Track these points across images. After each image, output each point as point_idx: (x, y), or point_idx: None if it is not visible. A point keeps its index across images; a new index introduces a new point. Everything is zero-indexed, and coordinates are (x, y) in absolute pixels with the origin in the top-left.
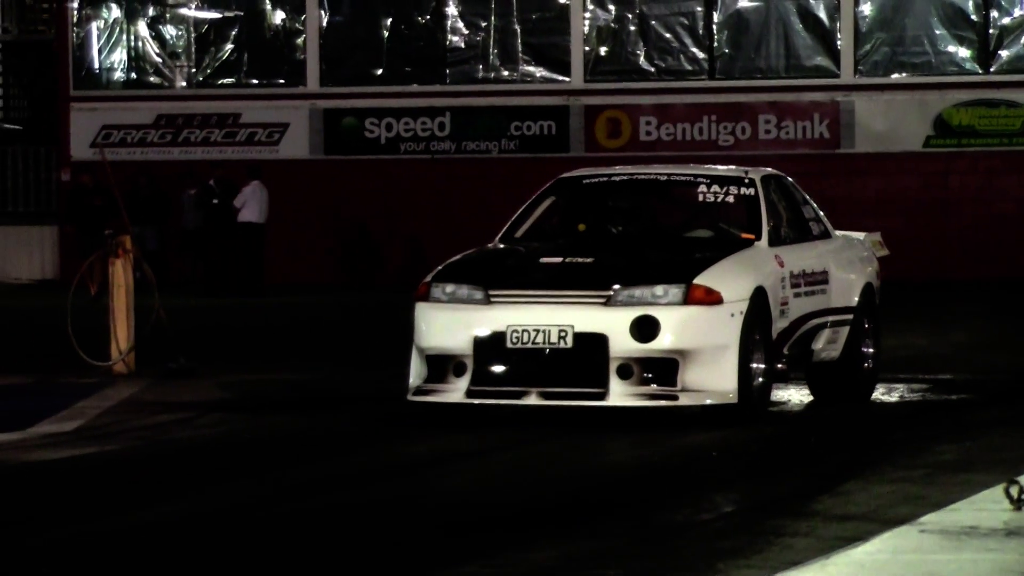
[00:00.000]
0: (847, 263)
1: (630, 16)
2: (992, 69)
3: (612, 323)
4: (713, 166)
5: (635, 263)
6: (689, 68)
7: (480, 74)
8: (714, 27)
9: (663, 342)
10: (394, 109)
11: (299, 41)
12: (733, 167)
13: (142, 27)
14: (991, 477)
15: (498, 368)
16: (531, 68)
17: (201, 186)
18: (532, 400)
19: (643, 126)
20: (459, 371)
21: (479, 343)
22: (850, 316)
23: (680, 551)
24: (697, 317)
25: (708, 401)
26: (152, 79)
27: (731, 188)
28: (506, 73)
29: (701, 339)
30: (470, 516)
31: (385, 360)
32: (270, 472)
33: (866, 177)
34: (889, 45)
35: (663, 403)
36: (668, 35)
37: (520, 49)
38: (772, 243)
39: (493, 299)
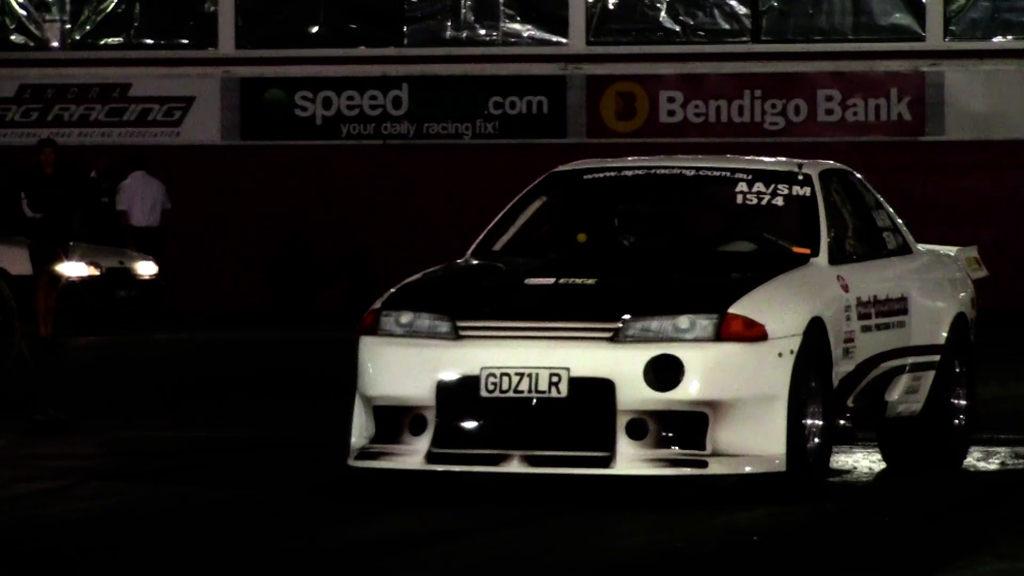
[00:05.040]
0: (933, 287)
1: None
2: None
3: (621, 365)
4: (757, 158)
5: (652, 286)
6: (726, 27)
7: (448, 33)
8: None
9: (688, 391)
10: (334, 79)
11: None
12: (783, 159)
13: None
14: None
15: (469, 424)
16: (517, 26)
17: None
18: (514, 467)
19: (664, 104)
20: (417, 428)
21: (444, 391)
22: (936, 357)
23: None
24: (733, 358)
25: (748, 468)
26: (13, 38)
27: (780, 187)
28: (483, 33)
29: (739, 387)
30: None
31: (321, 413)
32: (168, 562)
33: (960, 173)
34: None
35: (688, 471)
36: None
37: (502, 1)
38: (834, 260)
39: (463, 333)
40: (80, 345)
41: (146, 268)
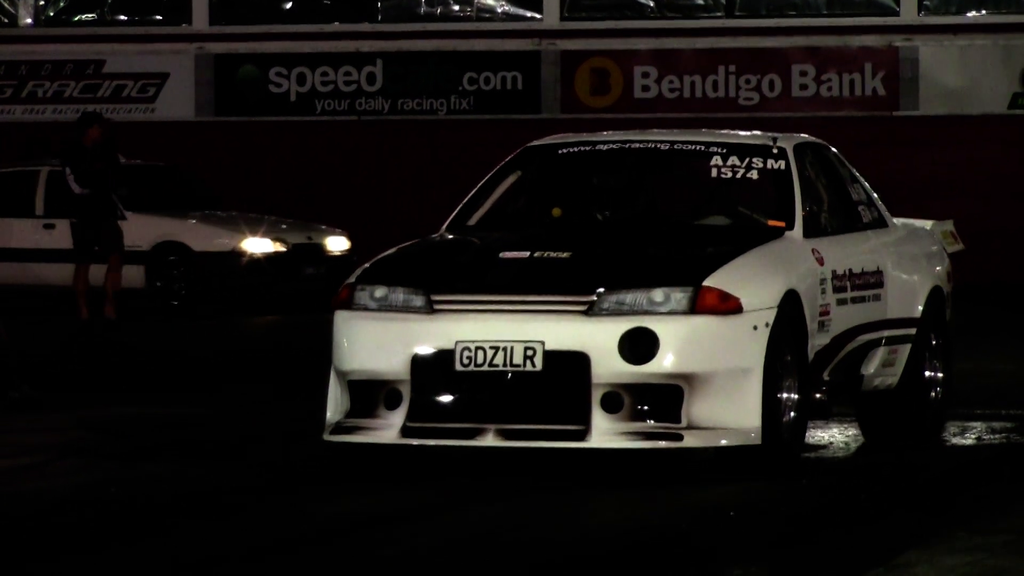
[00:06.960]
0: (909, 261)
1: None
2: None
3: (595, 338)
4: (732, 132)
5: (626, 259)
6: (700, 2)
7: (422, 9)
8: None
9: (663, 364)
10: (308, 55)
11: None
12: (758, 133)
13: None
14: None
15: (444, 398)
16: (491, 2)
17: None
18: (488, 440)
19: (639, 79)
20: (392, 402)
21: (419, 365)
22: (912, 330)
23: None
24: (708, 331)
25: (723, 442)
26: None
27: (755, 160)
28: (457, 8)
29: (713, 360)
30: None
31: (295, 388)
32: (143, 539)
33: (934, 148)
34: None
35: (663, 444)
36: None
37: None
38: (809, 233)
39: (437, 306)
40: (260, 324)
41: (336, 244)
